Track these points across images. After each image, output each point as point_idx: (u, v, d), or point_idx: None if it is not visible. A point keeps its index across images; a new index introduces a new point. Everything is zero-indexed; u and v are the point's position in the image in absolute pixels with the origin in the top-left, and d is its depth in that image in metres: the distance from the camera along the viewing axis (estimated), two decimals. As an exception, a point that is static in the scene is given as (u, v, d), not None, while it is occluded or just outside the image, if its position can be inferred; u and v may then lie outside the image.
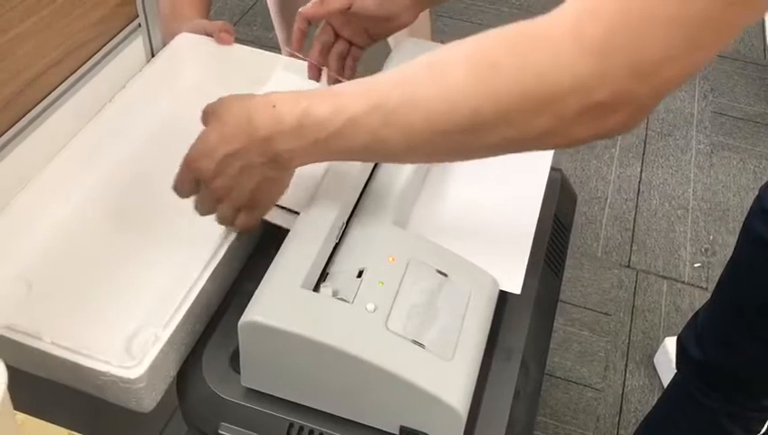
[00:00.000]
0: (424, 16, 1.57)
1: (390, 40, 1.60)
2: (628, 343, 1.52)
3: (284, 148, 0.55)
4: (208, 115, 0.60)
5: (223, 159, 0.56)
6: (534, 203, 0.71)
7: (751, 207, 0.89)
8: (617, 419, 1.40)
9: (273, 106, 0.54)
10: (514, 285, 0.63)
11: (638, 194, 1.84)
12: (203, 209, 0.62)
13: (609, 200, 1.82)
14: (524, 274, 0.63)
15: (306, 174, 0.71)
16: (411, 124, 0.50)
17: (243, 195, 0.59)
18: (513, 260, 0.65)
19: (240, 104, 0.57)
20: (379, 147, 0.53)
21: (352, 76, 0.80)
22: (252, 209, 0.61)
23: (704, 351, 0.97)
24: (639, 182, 1.87)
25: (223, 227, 0.66)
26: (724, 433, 0.98)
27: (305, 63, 0.80)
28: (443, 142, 0.51)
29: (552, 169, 0.84)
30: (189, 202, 0.71)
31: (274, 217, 0.68)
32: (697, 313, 1.01)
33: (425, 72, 0.51)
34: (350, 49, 0.80)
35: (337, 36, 0.79)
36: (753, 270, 0.88)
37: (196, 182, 0.60)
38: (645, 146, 1.98)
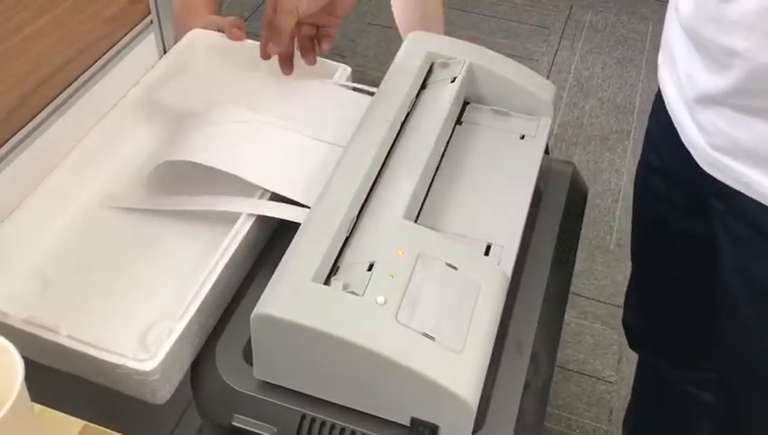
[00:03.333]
0: (437, 9, 1.57)
1: (402, 32, 1.60)
2: (642, 336, 1.52)
3: None
4: None
5: None
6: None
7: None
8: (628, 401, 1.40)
9: None
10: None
11: (651, 186, 1.83)
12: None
13: (622, 192, 1.81)
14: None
15: (316, 168, 0.72)
16: None
17: None
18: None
19: None
20: None
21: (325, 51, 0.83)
22: None
23: (641, 324, 0.98)
24: (653, 174, 1.86)
25: (234, 222, 0.67)
26: (697, 401, 0.97)
27: None
28: None
29: (564, 162, 0.85)
30: (203, 197, 0.72)
31: (286, 213, 0.68)
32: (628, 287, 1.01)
33: None
34: (317, 30, 0.82)
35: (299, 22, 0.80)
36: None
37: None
38: (659, 138, 1.97)
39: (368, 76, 1.89)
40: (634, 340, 1.02)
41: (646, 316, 0.97)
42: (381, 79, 0.76)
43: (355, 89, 0.84)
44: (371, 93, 0.79)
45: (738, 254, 0.68)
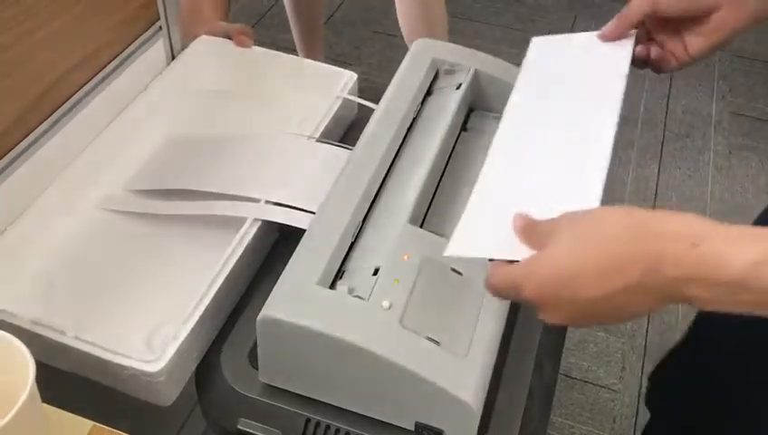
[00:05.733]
0: (441, 17, 1.57)
1: (407, 40, 1.61)
2: (645, 345, 1.51)
3: (698, 295, 0.42)
4: (551, 232, 0.47)
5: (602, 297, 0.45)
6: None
7: None
8: (633, 420, 1.40)
9: (695, 245, 0.41)
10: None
11: (655, 195, 1.83)
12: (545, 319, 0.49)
13: (626, 202, 1.81)
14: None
15: (320, 173, 0.72)
16: None
17: (602, 320, 0.48)
18: None
19: (617, 228, 0.44)
20: None
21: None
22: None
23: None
24: (657, 184, 1.86)
25: (240, 228, 0.67)
26: None
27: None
28: None
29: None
30: (209, 202, 0.72)
31: (291, 218, 0.69)
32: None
33: None
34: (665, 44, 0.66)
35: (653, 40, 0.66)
36: None
37: None
38: (662, 147, 1.97)
39: (373, 83, 1.90)
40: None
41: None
42: (386, 86, 0.77)
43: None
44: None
45: None
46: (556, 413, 1.38)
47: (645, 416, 1.39)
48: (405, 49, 0.88)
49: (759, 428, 0.67)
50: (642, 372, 1.47)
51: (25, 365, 0.47)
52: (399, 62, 0.80)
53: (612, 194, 1.82)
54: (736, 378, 0.70)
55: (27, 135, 0.70)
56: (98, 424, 0.54)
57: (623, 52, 0.63)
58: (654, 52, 0.65)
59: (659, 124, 2.02)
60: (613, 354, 1.50)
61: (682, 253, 0.41)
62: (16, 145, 0.69)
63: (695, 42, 0.62)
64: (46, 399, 0.52)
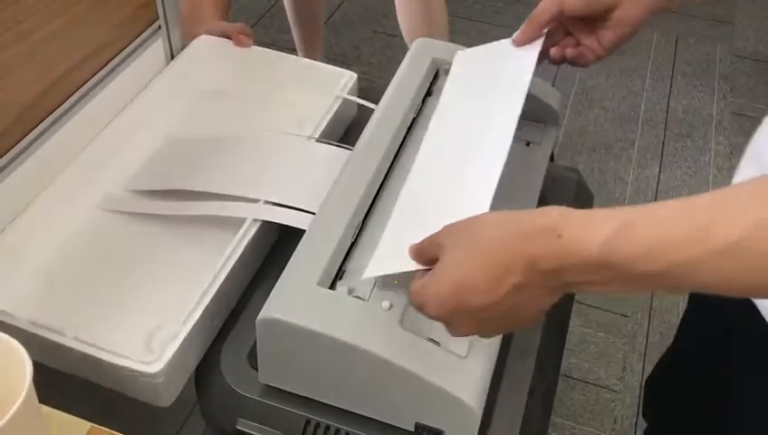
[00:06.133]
0: (442, 17, 1.57)
1: (407, 40, 1.61)
2: (646, 345, 1.51)
3: (577, 281, 0.44)
4: (438, 247, 0.49)
5: (489, 305, 0.46)
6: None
7: None
8: (634, 420, 1.39)
9: (559, 236, 0.43)
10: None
11: (656, 195, 1.83)
12: (454, 334, 0.51)
13: (626, 202, 1.80)
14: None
15: (320, 173, 0.72)
16: None
17: (507, 325, 0.50)
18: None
19: (495, 231, 0.46)
20: (726, 286, 0.41)
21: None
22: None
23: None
24: (658, 183, 1.86)
25: (239, 228, 0.67)
26: None
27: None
28: None
29: (569, 169, 0.85)
30: (209, 202, 0.72)
31: (291, 218, 0.69)
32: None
33: None
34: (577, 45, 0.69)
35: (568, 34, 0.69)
36: None
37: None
38: (663, 147, 1.97)
39: (373, 83, 1.90)
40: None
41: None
42: (386, 86, 0.77)
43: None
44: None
45: None
46: (557, 414, 1.38)
47: (646, 417, 1.38)
48: (405, 49, 0.88)
49: (747, 425, 0.67)
50: (643, 373, 1.47)
51: (23, 366, 0.47)
52: (399, 61, 0.80)
53: (613, 193, 1.82)
54: (723, 380, 0.70)
55: (27, 134, 0.70)
56: (96, 425, 0.54)
57: (531, 56, 0.66)
58: (570, 49, 0.68)
59: (660, 124, 2.02)
60: (614, 355, 1.50)
61: (549, 245, 0.43)
62: (16, 144, 0.69)
63: (605, 35, 0.66)
64: (44, 399, 0.51)
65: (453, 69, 0.73)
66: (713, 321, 0.72)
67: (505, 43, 0.69)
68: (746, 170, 0.60)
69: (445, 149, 0.65)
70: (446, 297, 0.47)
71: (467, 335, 0.50)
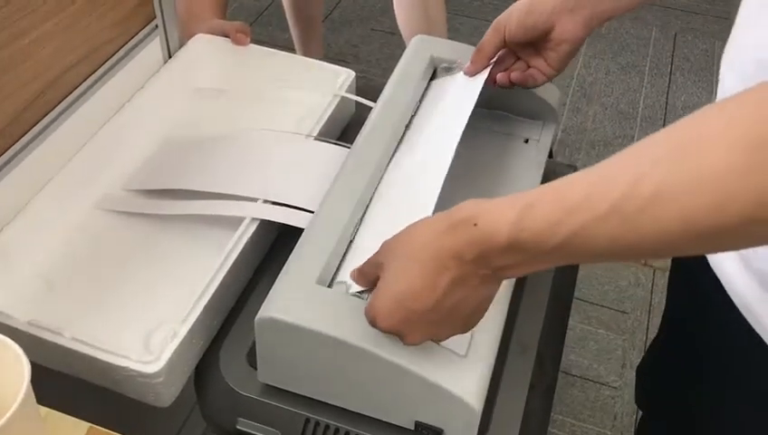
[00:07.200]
0: (440, 14, 1.57)
1: (405, 37, 1.61)
2: (646, 341, 1.51)
3: (502, 265, 0.46)
4: (377, 266, 0.51)
5: (430, 308, 0.48)
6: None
7: None
8: (634, 417, 1.40)
9: (475, 224, 0.45)
10: None
11: (655, 191, 1.83)
12: (410, 343, 0.52)
13: (625, 198, 1.81)
14: None
15: (318, 172, 0.72)
16: (663, 228, 0.39)
17: (457, 323, 0.51)
18: None
19: (426, 236, 0.48)
20: (619, 251, 0.42)
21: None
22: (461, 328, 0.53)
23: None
24: (657, 180, 1.86)
25: (238, 227, 0.67)
26: None
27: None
28: (707, 244, 0.40)
29: (568, 166, 0.85)
30: (207, 201, 0.72)
31: (289, 217, 0.68)
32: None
33: (675, 155, 0.39)
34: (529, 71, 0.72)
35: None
36: None
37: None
38: (662, 143, 1.97)
39: (371, 81, 1.90)
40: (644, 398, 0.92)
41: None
42: (385, 84, 0.77)
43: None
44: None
45: None
46: (557, 411, 1.38)
47: (646, 413, 1.39)
48: (403, 46, 0.87)
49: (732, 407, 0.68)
50: (643, 369, 1.47)
51: (21, 367, 0.47)
52: (397, 59, 0.80)
53: (612, 191, 1.82)
54: (706, 364, 0.71)
55: (24, 134, 0.70)
56: (95, 426, 0.54)
57: (477, 84, 0.71)
58: (516, 73, 0.72)
59: (659, 120, 2.02)
60: (613, 351, 1.50)
61: (467, 235, 0.45)
62: (13, 144, 0.69)
63: (550, 56, 0.70)
64: (42, 400, 0.51)
65: (428, 95, 0.78)
66: (690, 302, 0.73)
67: (460, 75, 0.75)
68: (728, 79, 0.60)
69: (405, 166, 0.69)
70: (391, 310, 0.49)
71: (422, 340, 0.51)
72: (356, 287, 0.57)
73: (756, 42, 0.54)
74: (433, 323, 0.50)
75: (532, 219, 0.43)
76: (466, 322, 0.50)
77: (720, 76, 0.61)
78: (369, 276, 0.53)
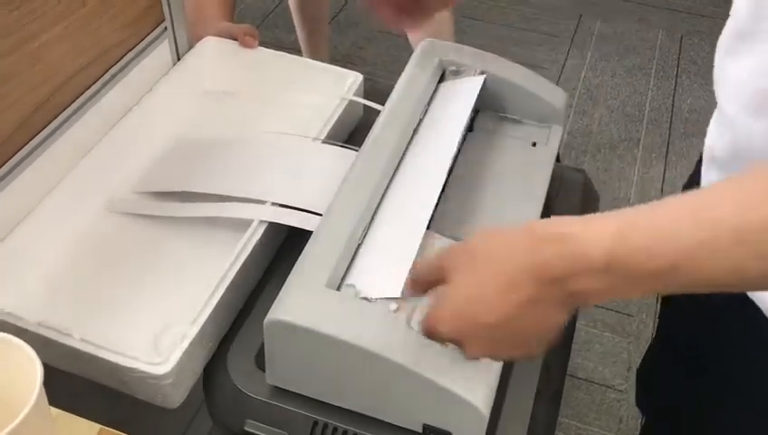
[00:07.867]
0: (447, 17, 1.57)
1: (412, 41, 1.61)
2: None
3: (583, 287, 0.43)
4: (441, 270, 0.49)
5: (498, 323, 0.46)
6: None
7: None
8: (640, 420, 1.39)
9: (565, 241, 0.43)
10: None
11: (661, 194, 1.83)
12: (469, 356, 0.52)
13: (631, 201, 1.80)
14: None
15: (327, 175, 0.72)
16: None
17: (520, 345, 0.48)
18: None
19: (506, 248, 0.46)
20: (735, 277, 0.40)
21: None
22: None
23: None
24: (663, 183, 1.86)
25: (246, 229, 0.67)
26: None
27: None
28: None
29: (575, 169, 0.85)
30: (216, 203, 0.72)
31: (298, 220, 0.69)
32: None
33: None
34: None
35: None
36: None
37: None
38: (668, 146, 1.96)
39: (377, 84, 1.90)
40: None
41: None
42: (392, 86, 0.77)
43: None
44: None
45: None
46: (562, 414, 1.38)
47: (651, 416, 1.38)
48: (410, 49, 0.88)
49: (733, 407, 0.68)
50: (648, 373, 1.47)
51: (33, 369, 0.47)
52: (405, 62, 0.80)
53: (618, 193, 1.82)
54: (705, 363, 0.70)
55: (33, 137, 0.70)
56: (105, 427, 0.54)
57: (472, 92, 0.72)
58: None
59: (665, 123, 2.02)
60: (619, 355, 1.50)
61: (556, 251, 0.43)
62: (23, 147, 0.69)
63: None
64: (54, 402, 0.52)
65: (435, 100, 0.78)
66: (686, 303, 0.72)
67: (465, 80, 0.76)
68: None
69: (411, 170, 0.69)
70: (457, 318, 0.47)
71: (482, 355, 0.50)
72: (365, 291, 0.57)
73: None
74: (495, 341, 0.47)
75: (635, 237, 0.40)
76: (530, 346, 0.48)
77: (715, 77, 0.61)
78: (428, 282, 0.50)
